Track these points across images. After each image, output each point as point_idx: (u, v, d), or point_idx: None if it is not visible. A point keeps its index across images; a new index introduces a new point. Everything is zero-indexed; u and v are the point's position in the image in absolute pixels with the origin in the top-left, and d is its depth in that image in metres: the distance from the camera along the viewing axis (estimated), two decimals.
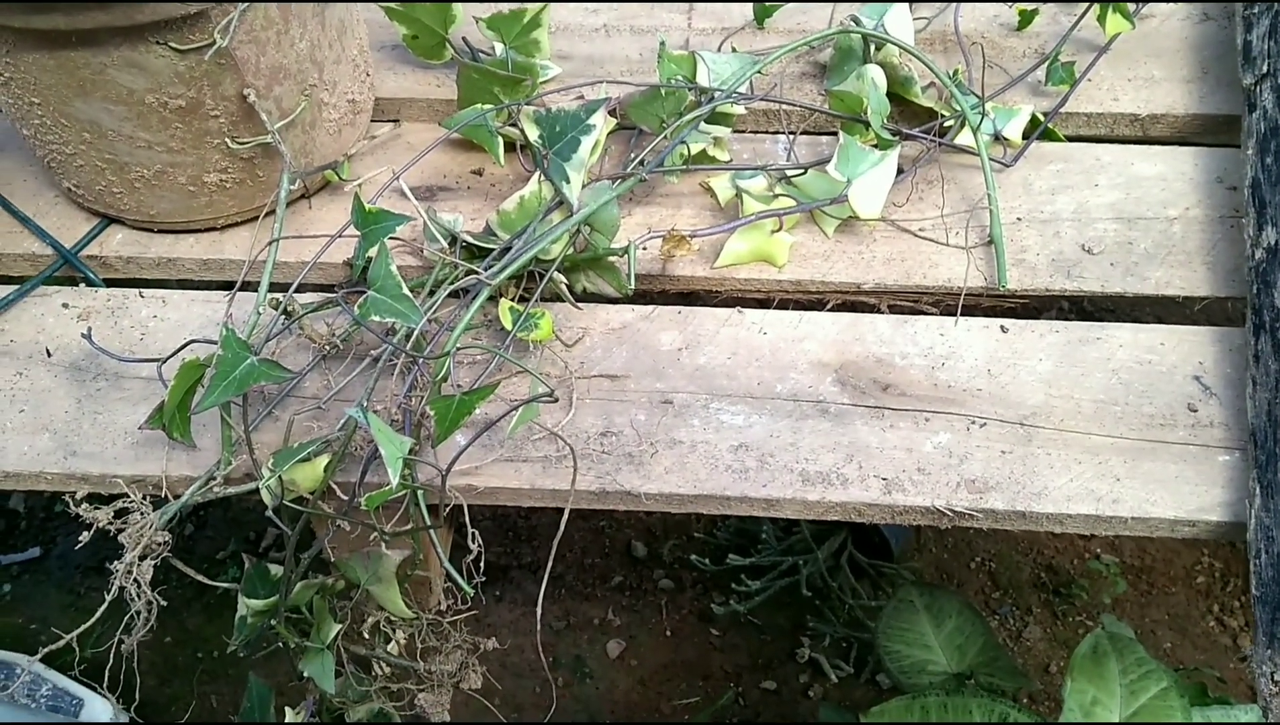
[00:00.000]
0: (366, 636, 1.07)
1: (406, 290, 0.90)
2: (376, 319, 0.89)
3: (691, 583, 1.90)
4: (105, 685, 0.94)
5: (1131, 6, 1.18)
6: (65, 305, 1.07)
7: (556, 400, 0.93)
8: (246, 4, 0.92)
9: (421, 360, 0.93)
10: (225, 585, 1.02)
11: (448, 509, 0.93)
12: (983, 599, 1.88)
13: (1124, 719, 1.08)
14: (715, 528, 1.94)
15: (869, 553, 1.86)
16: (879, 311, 1.07)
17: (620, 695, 1.78)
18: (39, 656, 0.92)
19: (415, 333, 0.94)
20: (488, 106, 1.07)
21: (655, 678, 1.79)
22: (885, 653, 1.39)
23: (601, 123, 1.02)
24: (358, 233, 0.98)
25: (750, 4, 1.28)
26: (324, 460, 0.90)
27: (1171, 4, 1.27)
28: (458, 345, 0.94)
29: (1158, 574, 1.89)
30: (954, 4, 1.23)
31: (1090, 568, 1.89)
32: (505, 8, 1.16)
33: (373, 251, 0.95)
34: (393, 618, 1.04)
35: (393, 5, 1.16)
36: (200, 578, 0.98)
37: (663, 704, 1.76)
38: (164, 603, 1.62)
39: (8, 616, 1.84)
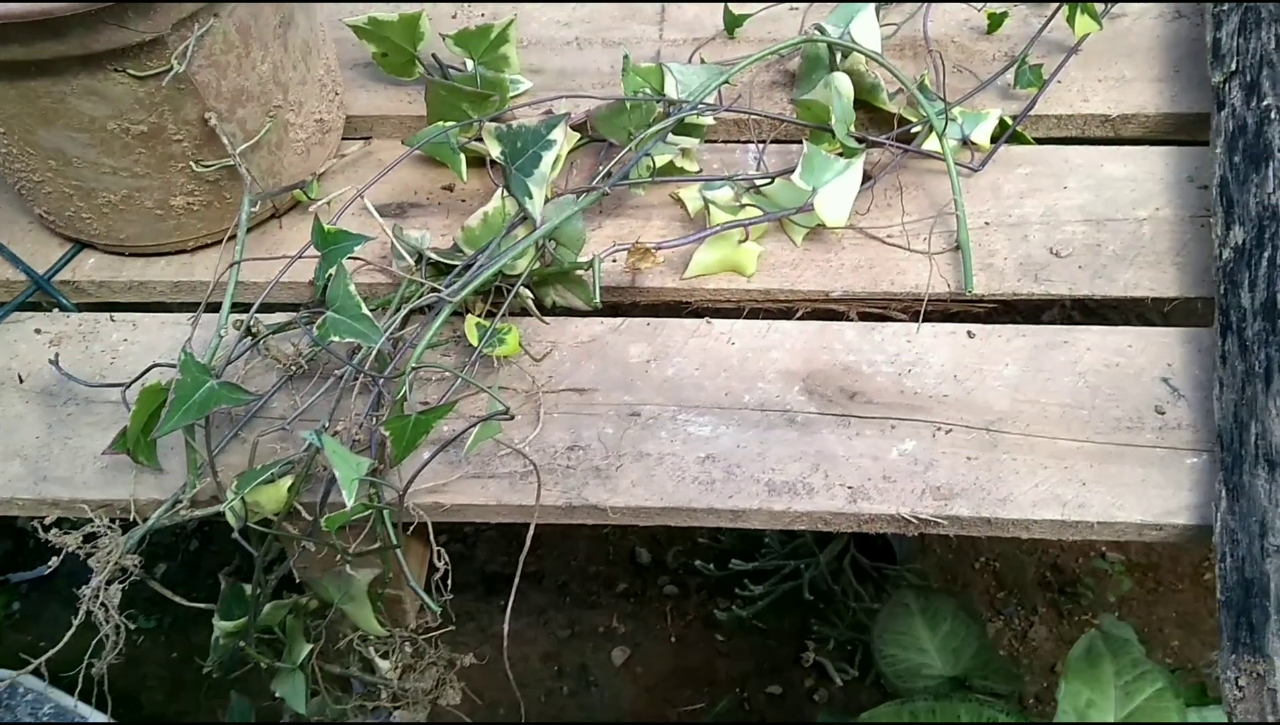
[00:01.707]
0: (356, 653, 1.08)
1: (365, 310, 0.91)
2: (336, 339, 0.90)
3: (696, 588, 1.90)
4: (91, 700, 0.95)
5: (1100, 7, 1.17)
6: (38, 331, 1.08)
7: (513, 418, 0.93)
8: (203, 29, 0.93)
9: (383, 379, 0.93)
10: (205, 607, 1.03)
11: (409, 529, 0.93)
12: (988, 599, 1.87)
13: (1119, 720, 1.08)
14: (719, 533, 1.94)
15: (872, 555, 1.85)
16: (848, 319, 1.07)
17: (626, 703, 1.78)
18: (23, 672, 0.92)
19: (374, 351, 0.94)
20: (450, 124, 1.08)
21: (661, 684, 1.79)
22: (881, 656, 1.39)
23: (562, 138, 1.03)
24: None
25: (722, 5, 1.28)
26: (287, 481, 0.90)
27: (1142, 3, 1.26)
28: (420, 363, 0.95)
29: (1164, 571, 1.88)
30: (923, 9, 1.23)
31: (1095, 566, 1.88)
32: (474, 7, 1.17)
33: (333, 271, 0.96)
34: (367, 635, 1.04)
35: (361, 23, 1.16)
36: (180, 600, 0.99)
37: (668, 711, 1.76)
38: (161, 620, 1.62)
39: (18, 634, 1.86)
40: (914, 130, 1.14)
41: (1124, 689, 1.10)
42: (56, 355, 1.00)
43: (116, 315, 1.09)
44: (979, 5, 1.26)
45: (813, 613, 1.83)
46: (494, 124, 1.04)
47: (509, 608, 0.97)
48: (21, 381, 1.04)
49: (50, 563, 0.89)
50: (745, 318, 1.07)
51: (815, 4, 1.28)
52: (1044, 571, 1.89)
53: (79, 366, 1.04)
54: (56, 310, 1.10)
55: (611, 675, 1.81)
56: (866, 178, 1.09)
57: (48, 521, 0.91)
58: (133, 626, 0.95)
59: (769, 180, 1.08)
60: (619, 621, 1.87)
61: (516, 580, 0.95)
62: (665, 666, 1.81)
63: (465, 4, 1.32)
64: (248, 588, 1.00)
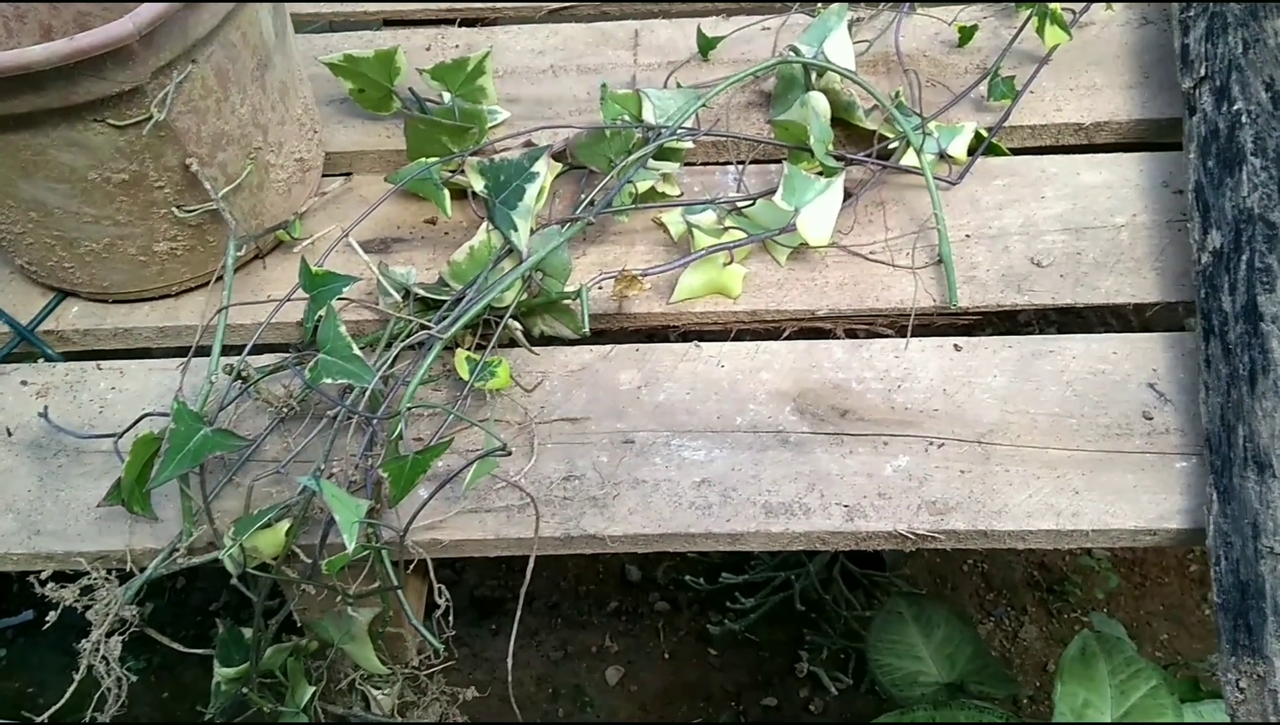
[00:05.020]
0: (358, 692, 1.08)
1: (357, 350, 0.91)
2: (329, 381, 0.90)
3: (687, 603, 1.90)
4: None
5: (1069, 17, 1.18)
6: (24, 382, 1.07)
7: (509, 454, 0.93)
8: (182, 76, 0.93)
9: (377, 419, 0.93)
10: (200, 652, 1.02)
11: (409, 566, 0.93)
12: (977, 601, 1.88)
13: (1115, 719, 1.09)
14: None
15: (861, 562, 1.86)
16: (835, 337, 1.07)
17: (622, 722, 1.78)
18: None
19: (368, 391, 0.94)
20: (432, 160, 1.08)
21: (656, 702, 1.79)
22: (876, 666, 1.39)
23: (545, 170, 1.03)
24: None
25: (695, 28, 1.28)
26: (285, 525, 0.90)
27: (1110, 11, 1.27)
28: (414, 403, 0.95)
29: (1150, 566, 1.89)
30: (895, 25, 1.24)
31: (1082, 564, 1.89)
32: (448, 39, 1.17)
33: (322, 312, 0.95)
34: (368, 674, 1.04)
35: (337, 61, 1.16)
36: (175, 645, 0.98)
37: None
38: (150, 660, 1.61)
39: (6, 681, 1.85)
40: (891, 146, 1.15)
41: (1119, 688, 1.11)
42: (46, 407, 1.00)
43: (103, 363, 1.08)
44: (949, 19, 1.27)
45: (805, 623, 1.84)
46: (476, 158, 1.04)
47: (512, 640, 0.97)
48: (10, 434, 1.03)
49: (48, 617, 0.89)
50: (733, 340, 1.07)
51: (788, 24, 1.29)
52: (1032, 571, 1.90)
53: (68, 417, 1.03)
54: (42, 361, 1.10)
55: (606, 695, 1.81)
56: (847, 195, 1.10)
57: (43, 575, 0.90)
58: (133, 676, 0.94)
59: (751, 202, 1.08)
60: (612, 640, 1.87)
61: (518, 615, 0.95)
62: (660, 683, 1.81)
63: (440, 36, 1.33)
64: (246, 631, 0.99)
